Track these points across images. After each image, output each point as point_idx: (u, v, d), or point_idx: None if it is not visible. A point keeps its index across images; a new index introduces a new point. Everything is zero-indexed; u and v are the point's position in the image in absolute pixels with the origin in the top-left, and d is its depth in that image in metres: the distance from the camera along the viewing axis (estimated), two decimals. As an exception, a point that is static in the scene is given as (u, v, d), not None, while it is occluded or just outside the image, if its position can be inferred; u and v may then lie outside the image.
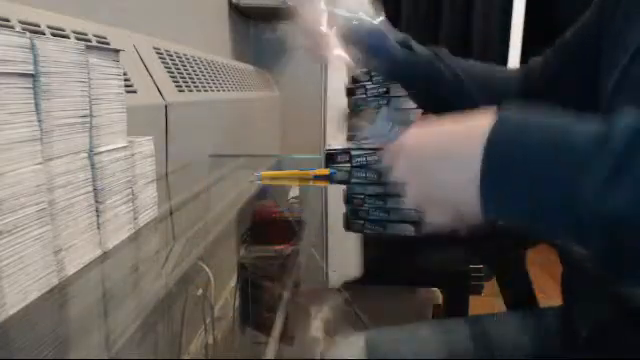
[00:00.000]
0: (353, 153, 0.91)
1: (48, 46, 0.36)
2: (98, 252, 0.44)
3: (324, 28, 0.61)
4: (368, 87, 1.14)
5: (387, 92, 1.13)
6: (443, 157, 0.34)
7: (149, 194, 0.54)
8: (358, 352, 0.41)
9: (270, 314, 0.35)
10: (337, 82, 2.14)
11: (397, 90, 1.12)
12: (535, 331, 0.49)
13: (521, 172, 0.29)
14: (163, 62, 1.00)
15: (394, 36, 0.63)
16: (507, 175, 0.30)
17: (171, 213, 0.61)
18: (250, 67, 1.86)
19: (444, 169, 0.34)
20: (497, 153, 0.30)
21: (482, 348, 0.47)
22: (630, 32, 0.46)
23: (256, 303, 0.38)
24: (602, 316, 0.39)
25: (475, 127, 0.32)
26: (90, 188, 0.42)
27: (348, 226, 0.77)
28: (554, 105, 0.37)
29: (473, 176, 0.31)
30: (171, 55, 1.06)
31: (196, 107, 1.09)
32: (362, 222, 0.77)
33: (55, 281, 0.37)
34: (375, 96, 1.14)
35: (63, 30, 0.68)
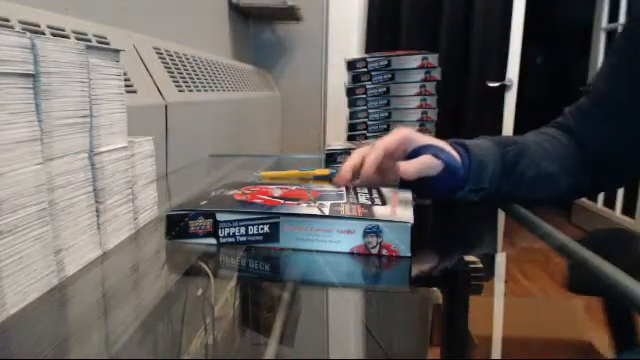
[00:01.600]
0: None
1: (48, 46, 0.36)
2: (98, 252, 0.44)
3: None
4: (368, 87, 1.14)
5: (387, 92, 1.13)
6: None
7: (149, 194, 0.54)
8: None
9: (270, 314, 0.35)
10: (337, 82, 2.14)
11: (397, 90, 1.12)
12: None
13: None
14: (163, 62, 1.00)
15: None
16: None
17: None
18: (250, 67, 1.86)
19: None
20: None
21: None
22: None
23: (256, 303, 0.38)
24: None
25: None
26: (90, 188, 0.42)
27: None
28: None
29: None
30: (171, 55, 1.06)
31: (196, 107, 1.09)
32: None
33: (55, 281, 0.37)
34: (375, 96, 1.14)
35: (63, 30, 0.68)
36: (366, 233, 0.42)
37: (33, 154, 0.35)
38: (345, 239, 0.43)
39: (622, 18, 2.84)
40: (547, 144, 0.66)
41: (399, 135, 0.59)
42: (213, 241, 0.46)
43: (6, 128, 0.32)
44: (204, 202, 0.49)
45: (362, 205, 0.47)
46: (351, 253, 0.43)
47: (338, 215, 0.44)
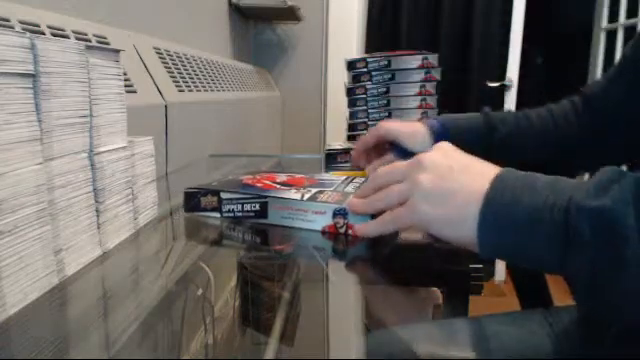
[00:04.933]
0: (353, 153, 0.91)
1: (48, 46, 0.36)
2: (98, 252, 0.44)
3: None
4: (368, 87, 1.14)
5: (387, 92, 1.13)
6: (462, 174, 0.39)
7: (149, 194, 0.54)
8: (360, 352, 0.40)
9: (270, 314, 0.35)
10: (337, 82, 2.14)
11: (397, 90, 1.12)
12: (554, 331, 0.48)
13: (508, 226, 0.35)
14: (163, 62, 1.00)
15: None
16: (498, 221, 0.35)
17: (171, 213, 0.61)
18: (250, 67, 1.86)
19: (462, 183, 0.38)
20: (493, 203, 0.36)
21: (498, 349, 0.45)
22: None
23: (256, 303, 0.38)
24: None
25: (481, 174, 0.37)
26: (90, 188, 0.42)
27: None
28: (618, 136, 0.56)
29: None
30: (171, 55, 1.06)
31: (196, 107, 1.09)
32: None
33: (55, 281, 0.37)
34: (375, 96, 1.14)
35: (63, 30, 0.68)
36: (335, 214, 0.49)
37: (33, 154, 0.35)
38: (319, 219, 0.50)
39: (622, 18, 2.84)
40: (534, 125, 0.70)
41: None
42: (217, 215, 0.55)
43: (6, 128, 0.32)
44: (215, 183, 0.58)
45: (342, 194, 0.53)
46: (323, 232, 0.50)
47: (311, 199, 0.51)
